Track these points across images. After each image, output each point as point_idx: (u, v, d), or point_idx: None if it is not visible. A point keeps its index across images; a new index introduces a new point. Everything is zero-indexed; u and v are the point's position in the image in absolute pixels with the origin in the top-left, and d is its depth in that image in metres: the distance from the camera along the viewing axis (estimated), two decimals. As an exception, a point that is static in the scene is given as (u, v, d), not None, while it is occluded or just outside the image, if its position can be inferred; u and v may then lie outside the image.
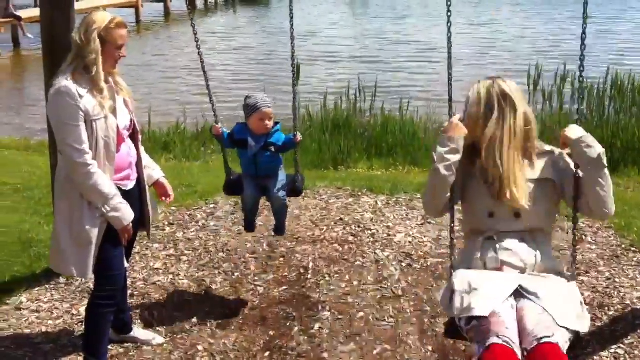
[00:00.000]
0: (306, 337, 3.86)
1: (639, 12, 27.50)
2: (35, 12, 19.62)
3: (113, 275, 3.29)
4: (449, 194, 2.87)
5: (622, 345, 3.74)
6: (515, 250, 2.78)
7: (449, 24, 2.97)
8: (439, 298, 3.08)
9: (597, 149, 2.76)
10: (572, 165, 2.86)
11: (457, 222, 3.06)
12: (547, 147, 2.94)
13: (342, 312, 4.11)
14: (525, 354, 2.49)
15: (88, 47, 3.07)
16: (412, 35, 21.27)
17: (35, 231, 5.08)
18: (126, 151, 3.30)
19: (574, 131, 2.84)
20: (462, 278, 2.76)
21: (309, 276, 4.56)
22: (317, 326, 3.97)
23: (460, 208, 3.03)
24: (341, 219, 5.49)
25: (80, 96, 3.02)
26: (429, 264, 4.71)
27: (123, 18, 3.30)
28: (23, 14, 19.97)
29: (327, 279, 4.52)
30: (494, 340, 2.46)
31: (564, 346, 2.49)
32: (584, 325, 2.63)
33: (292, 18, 3.96)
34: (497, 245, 2.79)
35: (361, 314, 4.10)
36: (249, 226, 4.25)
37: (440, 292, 2.99)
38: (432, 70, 15.21)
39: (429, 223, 5.41)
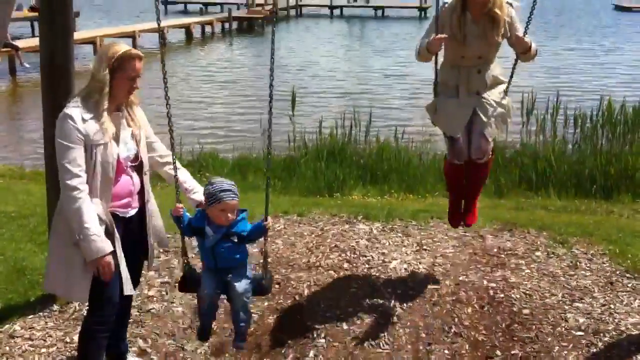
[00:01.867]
0: (301, 365, 3.84)
1: (633, 44, 27.86)
2: (33, 41, 19.81)
3: (104, 300, 3.26)
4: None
5: (617, 372, 3.74)
6: (475, 79, 4.35)
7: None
8: (426, 106, 4.58)
9: (534, 47, 4.28)
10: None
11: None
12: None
13: (338, 339, 4.10)
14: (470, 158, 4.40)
15: (97, 75, 3.14)
16: (406, 66, 21.47)
17: (29, 259, 5.06)
18: (127, 180, 3.30)
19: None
20: (442, 102, 4.43)
21: (304, 303, 4.55)
22: (312, 353, 3.95)
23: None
24: (336, 246, 5.50)
25: (84, 120, 3.09)
26: (424, 290, 4.71)
27: None
28: (20, 43, 20.13)
29: (322, 306, 4.51)
30: (451, 161, 4.47)
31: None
32: (504, 127, 4.66)
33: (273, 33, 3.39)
34: (465, 76, 4.35)
35: (356, 340, 4.09)
36: (203, 333, 3.52)
37: (427, 104, 4.57)
38: (427, 99, 15.34)
39: (424, 250, 5.42)
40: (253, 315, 4.36)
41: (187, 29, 31.57)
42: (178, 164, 3.50)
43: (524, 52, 4.24)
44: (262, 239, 3.48)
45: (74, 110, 3.10)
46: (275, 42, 3.37)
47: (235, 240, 3.30)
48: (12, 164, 10.15)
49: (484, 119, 4.32)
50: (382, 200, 7.93)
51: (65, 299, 4.23)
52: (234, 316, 3.43)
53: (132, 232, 3.32)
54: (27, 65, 19.01)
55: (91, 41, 23.77)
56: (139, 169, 3.38)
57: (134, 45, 26.03)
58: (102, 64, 3.15)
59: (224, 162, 9.78)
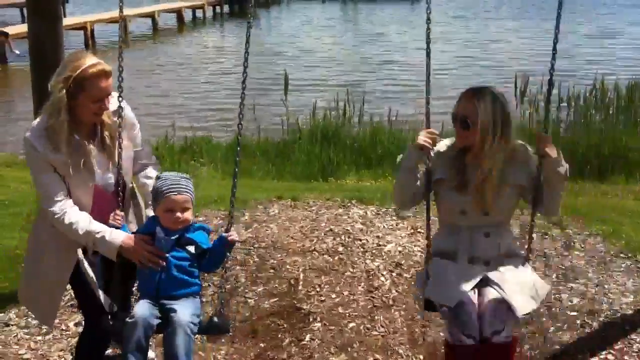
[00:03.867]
0: (297, 349, 3.85)
1: (629, 26, 27.84)
2: (23, 27, 19.64)
3: (89, 310, 3.07)
4: (413, 192, 3.14)
5: (612, 351, 3.76)
6: (482, 243, 3.09)
7: (428, 41, 3.17)
8: (416, 279, 3.44)
9: (565, 166, 3.04)
10: (536, 171, 3.09)
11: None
12: (520, 144, 3.14)
13: (333, 323, 4.11)
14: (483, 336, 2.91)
15: (53, 95, 2.73)
16: (399, 51, 21.42)
17: (23, 247, 5.02)
18: (103, 207, 2.94)
19: (553, 150, 3.02)
20: (437, 267, 3.11)
21: (300, 287, 4.55)
22: (308, 337, 3.96)
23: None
24: (331, 230, 5.50)
25: (49, 150, 2.74)
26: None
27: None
28: (10, 30, 19.97)
29: (318, 289, 4.51)
30: (457, 339, 2.92)
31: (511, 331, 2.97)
32: (536, 304, 3.03)
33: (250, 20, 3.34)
34: (467, 239, 3.10)
35: (352, 324, 4.10)
36: None
37: (417, 276, 3.39)
38: (421, 81, 15.33)
39: (419, 232, 5.42)
40: (248, 300, 4.37)
41: (179, 13, 31.36)
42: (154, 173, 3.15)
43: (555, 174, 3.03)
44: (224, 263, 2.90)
45: (38, 139, 2.74)
46: (267, 27, 3.33)
47: (192, 251, 2.75)
48: (3, 152, 10.10)
49: (502, 285, 2.99)
50: (376, 184, 7.92)
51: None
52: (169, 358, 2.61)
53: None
54: (17, 52, 18.86)
55: (81, 27, 23.58)
56: (117, 190, 2.98)
57: (125, 31, 25.90)
58: (59, 83, 2.70)
59: (217, 147, 9.74)
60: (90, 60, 2.74)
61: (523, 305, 2.94)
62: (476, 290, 3.01)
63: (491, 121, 2.96)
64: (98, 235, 2.80)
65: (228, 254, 2.85)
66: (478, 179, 3.00)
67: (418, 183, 3.13)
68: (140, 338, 2.59)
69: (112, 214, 2.89)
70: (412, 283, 4.57)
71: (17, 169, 8.51)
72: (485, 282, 3.02)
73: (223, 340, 3.93)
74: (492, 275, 3.03)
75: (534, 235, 3.47)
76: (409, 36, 24.34)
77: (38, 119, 2.82)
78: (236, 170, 2.99)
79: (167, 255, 2.70)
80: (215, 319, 2.80)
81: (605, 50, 21.26)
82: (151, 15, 28.03)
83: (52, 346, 3.86)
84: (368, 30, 28.40)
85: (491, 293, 2.98)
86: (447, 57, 18.44)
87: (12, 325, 4.06)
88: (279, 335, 3.99)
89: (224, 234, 2.80)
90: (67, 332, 3.95)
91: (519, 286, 3.00)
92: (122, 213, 2.94)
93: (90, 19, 24.68)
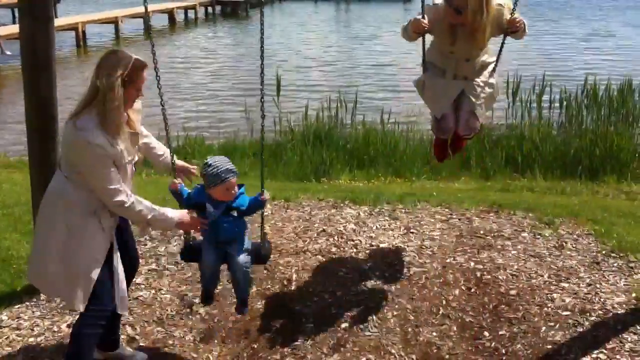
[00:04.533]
0: (290, 350, 3.85)
1: (620, 27, 27.94)
2: (14, 28, 19.56)
3: (100, 296, 3.23)
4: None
5: (604, 350, 3.77)
6: (464, 66, 4.29)
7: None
8: (414, 81, 4.56)
9: (525, 26, 4.16)
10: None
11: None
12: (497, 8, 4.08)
13: (326, 323, 4.10)
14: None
15: (111, 93, 2.97)
16: (392, 52, 21.44)
17: (15, 248, 5.02)
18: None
19: (522, 27, 4.13)
20: (430, 80, 4.41)
21: (293, 288, 4.55)
22: (301, 338, 3.96)
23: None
24: (324, 230, 5.50)
25: (111, 145, 3.02)
26: (411, 273, 4.72)
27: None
28: (1, 30, 19.89)
29: (311, 290, 4.51)
30: (439, 136, 4.56)
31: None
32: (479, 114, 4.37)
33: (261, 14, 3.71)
34: (454, 63, 4.28)
35: (345, 324, 4.10)
36: (207, 299, 3.74)
37: (418, 80, 4.50)
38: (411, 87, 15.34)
39: (412, 233, 5.43)
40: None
41: (170, 13, 31.31)
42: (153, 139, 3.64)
43: (515, 32, 4.18)
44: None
45: (99, 137, 2.97)
46: (259, 27, 3.44)
47: (235, 214, 3.44)
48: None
49: (473, 99, 4.31)
50: (369, 184, 7.94)
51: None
52: (236, 286, 3.63)
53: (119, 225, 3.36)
54: (9, 53, 18.79)
55: (73, 27, 23.51)
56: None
57: (117, 32, 25.86)
58: (116, 81, 2.97)
59: (210, 148, 9.74)
60: (131, 55, 3.10)
61: (483, 112, 4.40)
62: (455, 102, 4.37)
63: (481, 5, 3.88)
64: (161, 216, 3.26)
65: (262, 208, 3.63)
66: (467, 39, 4.08)
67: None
68: (211, 274, 3.61)
69: (172, 182, 3.50)
70: (405, 283, 4.58)
71: (10, 170, 8.47)
72: (463, 92, 4.32)
73: (215, 342, 3.93)
74: (469, 88, 4.32)
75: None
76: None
77: (85, 117, 3.00)
78: (262, 158, 3.66)
79: (218, 220, 3.43)
80: (262, 250, 3.68)
81: (597, 51, 21.36)
82: (143, 16, 28.03)
83: (43, 347, 3.84)
84: (360, 31, 28.43)
85: (466, 105, 4.32)
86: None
87: (4, 327, 4.04)
88: (272, 336, 3.98)
89: (259, 196, 3.53)
90: (59, 334, 3.94)
91: (484, 94, 4.32)
92: (179, 180, 3.55)
93: (82, 20, 24.63)
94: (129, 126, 3.21)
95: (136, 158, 3.32)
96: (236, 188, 3.42)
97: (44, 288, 3.43)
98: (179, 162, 3.66)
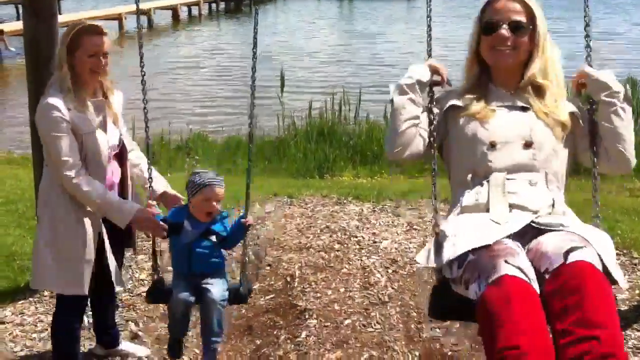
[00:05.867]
0: (293, 346, 3.86)
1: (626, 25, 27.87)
2: (18, 25, 19.59)
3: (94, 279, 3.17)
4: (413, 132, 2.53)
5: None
6: (525, 193, 2.23)
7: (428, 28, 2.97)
8: (417, 258, 2.37)
9: (621, 90, 2.34)
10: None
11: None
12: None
13: (329, 320, 4.11)
14: (547, 277, 1.96)
15: (60, 61, 2.99)
16: (395, 48, 21.42)
17: (19, 244, 5.04)
18: (110, 170, 3.16)
19: (589, 68, 2.44)
20: (454, 223, 2.21)
21: (296, 284, 4.56)
22: (304, 334, 3.97)
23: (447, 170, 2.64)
24: (327, 227, 5.50)
25: (68, 109, 2.93)
26: (415, 269, 4.73)
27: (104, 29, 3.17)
28: (6, 27, 19.93)
29: (314, 286, 4.52)
30: (503, 270, 1.91)
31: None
32: (621, 277, 2.20)
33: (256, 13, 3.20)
34: (502, 188, 2.23)
35: (348, 320, 4.10)
36: (173, 350, 3.14)
37: (421, 252, 2.36)
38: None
39: (415, 229, 5.43)
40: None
41: (174, 10, 31.30)
42: (141, 154, 3.38)
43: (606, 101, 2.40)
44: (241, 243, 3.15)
45: (56, 99, 2.92)
46: (263, 24, 3.32)
47: (214, 240, 3.03)
48: (2, 149, 10.07)
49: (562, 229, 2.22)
50: (372, 181, 7.93)
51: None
52: (205, 329, 3.03)
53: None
54: (13, 49, 18.82)
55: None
56: (120, 157, 3.23)
57: (120, 29, 25.87)
58: (62, 45, 2.99)
59: (213, 145, 9.73)
60: (82, 23, 3.01)
61: (605, 252, 2.12)
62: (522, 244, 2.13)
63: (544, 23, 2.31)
64: (114, 204, 3.00)
65: (245, 234, 3.13)
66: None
67: (419, 115, 2.51)
68: (183, 311, 3.03)
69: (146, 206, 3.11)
70: (408, 280, 4.58)
71: (14, 166, 8.49)
72: (534, 232, 2.17)
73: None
74: (544, 219, 2.18)
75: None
76: (405, 34, 24.35)
77: (51, 89, 2.99)
78: (250, 162, 3.17)
79: (193, 243, 3.01)
80: (240, 289, 3.13)
81: (603, 49, 21.29)
82: (146, 13, 28.03)
83: (47, 344, 3.85)
84: (364, 28, 28.40)
85: (549, 235, 2.11)
86: (444, 59, 18.45)
87: (7, 322, 4.05)
88: (275, 332, 3.99)
89: (241, 219, 3.06)
90: (63, 330, 3.95)
91: (596, 233, 2.24)
92: (154, 202, 3.15)
93: (86, 16, 24.65)
94: (109, 108, 3.14)
95: (114, 141, 3.15)
96: (219, 206, 3.01)
97: (40, 282, 3.29)
98: (171, 192, 3.31)
